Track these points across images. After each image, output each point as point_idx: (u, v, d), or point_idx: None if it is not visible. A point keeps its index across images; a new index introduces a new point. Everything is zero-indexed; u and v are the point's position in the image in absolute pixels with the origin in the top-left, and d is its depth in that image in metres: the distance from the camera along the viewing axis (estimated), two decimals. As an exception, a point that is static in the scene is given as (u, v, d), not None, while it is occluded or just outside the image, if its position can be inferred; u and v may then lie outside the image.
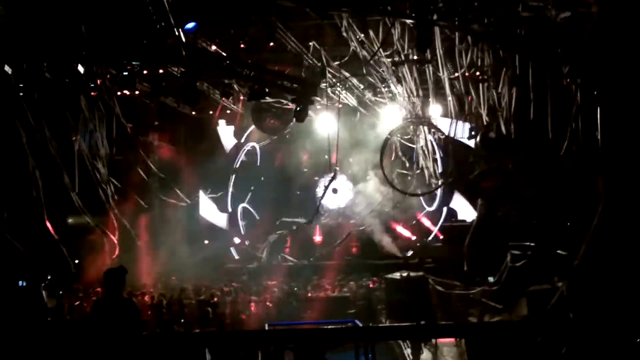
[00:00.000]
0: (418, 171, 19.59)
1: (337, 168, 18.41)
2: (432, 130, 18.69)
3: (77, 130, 15.40)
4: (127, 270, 8.07)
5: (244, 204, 27.40)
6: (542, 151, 12.78)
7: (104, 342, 6.98)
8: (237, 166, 27.62)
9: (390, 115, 19.66)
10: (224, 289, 18.17)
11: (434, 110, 19.09)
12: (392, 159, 20.44)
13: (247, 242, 26.37)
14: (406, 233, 23.88)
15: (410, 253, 22.15)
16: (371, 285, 17.83)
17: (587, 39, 9.95)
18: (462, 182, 20.01)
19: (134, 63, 14.37)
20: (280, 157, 26.60)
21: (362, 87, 19.64)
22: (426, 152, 18.76)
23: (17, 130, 13.30)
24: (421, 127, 18.49)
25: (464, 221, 21.61)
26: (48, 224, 14.17)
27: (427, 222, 24.38)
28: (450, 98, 16.28)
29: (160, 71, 16.75)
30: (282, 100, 18.21)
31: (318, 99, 17.13)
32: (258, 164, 27.56)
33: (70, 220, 17.87)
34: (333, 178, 17.73)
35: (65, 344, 7.36)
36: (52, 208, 14.23)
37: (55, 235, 14.26)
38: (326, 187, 18.83)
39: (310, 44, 16.17)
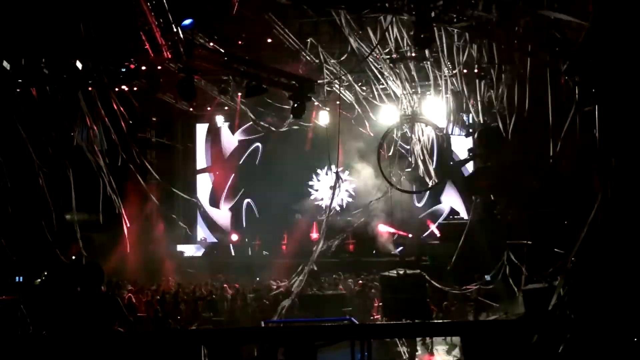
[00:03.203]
0: (410, 169, 19.58)
1: (339, 168, 18.39)
2: (430, 127, 18.66)
3: (74, 126, 15.36)
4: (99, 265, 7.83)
5: (248, 200, 27.49)
6: (539, 149, 12.77)
7: (87, 339, 6.91)
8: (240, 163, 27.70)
9: (388, 112, 19.65)
10: (224, 286, 18.22)
11: (432, 107, 19.08)
12: (390, 155, 20.42)
13: (246, 239, 26.38)
14: (403, 230, 23.86)
15: (405, 250, 22.15)
16: (367, 283, 17.83)
17: (585, 36, 9.94)
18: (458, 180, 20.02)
19: (132, 59, 14.35)
20: (278, 153, 26.57)
21: (360, 83, 19.63)
22: (423, 149, 18.74)
23: (15, 126, 13.28)
24: (418, 124, 18.46)
25: (461, 219, 21.64)
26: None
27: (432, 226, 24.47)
28: (448, 95, 16.28)
29: (158, 68, 16.75)
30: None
31: (315, 95, 17.11)
32: (257, 162, 27.60)
33: (67, 217, 17.84)
34: (337, 177, 17.71)
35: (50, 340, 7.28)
36: (49, 204, 14.19)
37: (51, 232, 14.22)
38: (333, 187, 18.73)
39: (308, 40, 16.16)
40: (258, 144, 27.35)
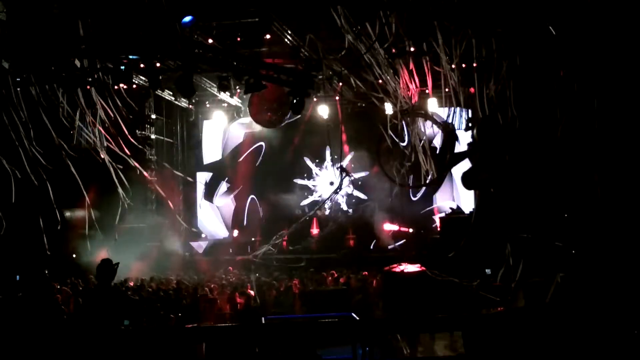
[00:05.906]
0: (409, 163, 19.53)
1: (340, 163, 18.37)
2: (428, 121, 18.61)
3: (74, 124, 15.36)
4: (115, 263, 8.05)
5: (252, 196, 27.45)
6: (539, 142, 12.76)
7: (97, 332, 6.98)
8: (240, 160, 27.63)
9: (386, 107, 19.62)
10: (223, 283, 18.18)
11: (431, 101, 19.02)
12: (389, 150, 20.42)
13: (248, 235, 26.36)
14: (404, 225, 23.84)
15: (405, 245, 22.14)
16: (368, 278, 17.81)
17: (584, 29, 9.94)
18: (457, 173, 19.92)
19: (131, 57, 14.32)
20: (279, 148, 26.52)
21: (359, 78, 19.58)
22: (423, 143, 18.70)
23: (14, 124, 13.27)
24: (417, 118, 18.43)
25: (462, 213, 21.60)
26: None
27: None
28: (447, 89, 16.24)
29: (157, 65, 16.72)
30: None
31: (314, 91, 17.08)
32: (259, 157, 27.53)
33: (67, 214, 17.83)
34: (341, 171, 17.66)
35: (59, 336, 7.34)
36: (48, 202, 14.19)
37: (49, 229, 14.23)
38: (339, 186, 18.70)
39: (307, 36, 16.14)
40: (261, 142, 27.23)
